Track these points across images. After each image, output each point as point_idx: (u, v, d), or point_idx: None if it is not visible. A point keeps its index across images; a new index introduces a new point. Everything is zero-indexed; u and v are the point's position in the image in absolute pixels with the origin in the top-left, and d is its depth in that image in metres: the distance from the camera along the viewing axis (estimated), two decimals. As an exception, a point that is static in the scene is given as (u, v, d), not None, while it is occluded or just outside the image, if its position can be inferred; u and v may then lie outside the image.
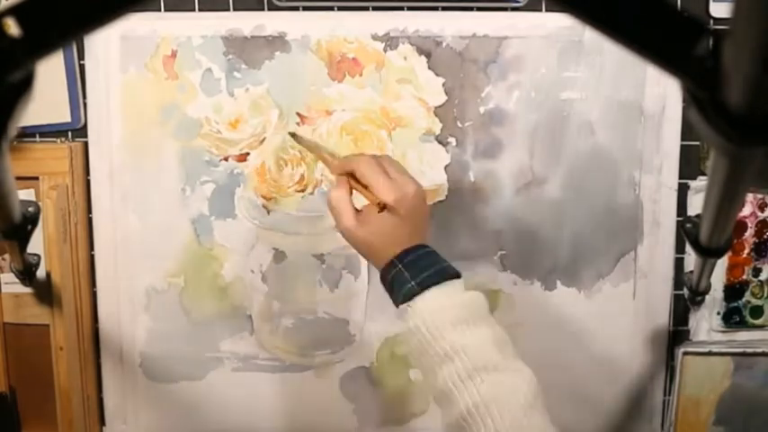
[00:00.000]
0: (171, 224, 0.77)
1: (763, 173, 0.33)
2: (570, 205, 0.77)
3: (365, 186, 0.60)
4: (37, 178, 0.74)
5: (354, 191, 0.61)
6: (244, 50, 0.75)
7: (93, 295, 0.78)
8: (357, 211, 0.60)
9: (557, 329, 0.79)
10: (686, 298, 0.79)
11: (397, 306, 0.57)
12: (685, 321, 0.80)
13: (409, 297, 0.56)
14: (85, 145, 0.76)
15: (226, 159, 0.76)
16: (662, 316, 0.79)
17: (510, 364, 0.54)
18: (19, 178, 0.72)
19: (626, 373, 0.80)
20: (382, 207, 0.58)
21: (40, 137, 0.76)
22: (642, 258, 0.78)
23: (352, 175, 0.61)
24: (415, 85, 0.75)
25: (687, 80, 0.30)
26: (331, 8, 0.75)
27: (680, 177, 0.77)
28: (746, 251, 0.78)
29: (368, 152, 0.76)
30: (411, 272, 0.56)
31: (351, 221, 0.59)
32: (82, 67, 0.75)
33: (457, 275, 0.57)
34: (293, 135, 0.73)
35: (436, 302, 0.55)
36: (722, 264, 0.78)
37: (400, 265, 0.57)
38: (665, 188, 0.77)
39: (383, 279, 0.59)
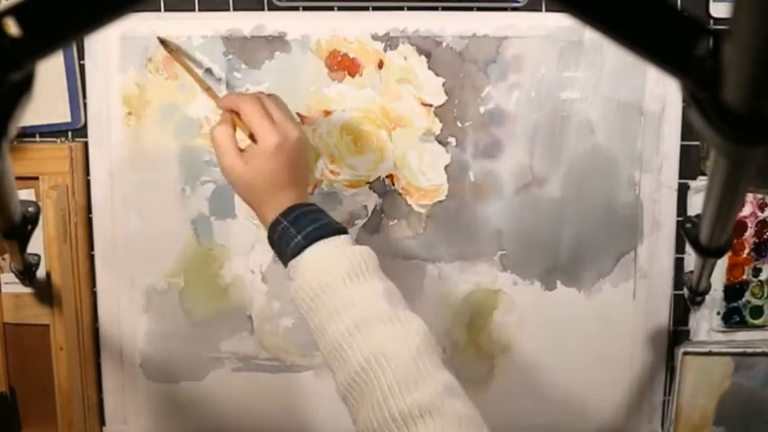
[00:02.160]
0: (171, 224, 0.77)
1: (763, 173, 0.33)
2: (570, 205, 0.77)
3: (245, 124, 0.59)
4: (37, 178, 0.74)
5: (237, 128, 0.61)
6: (244, 50, 0.75)
7: (93, 295, 0.78)
8: (240, 150, 0.59)
9: (557, 329, 0.79)
10: (686, 298, 0.79)
11: (286, 265, 0.56)
12: (685, 321, 0.80)
13: (297, 252, 0.55)
14: (85, 145, 0.76)
15: (226, 159, 0.76)
16: (662, 316, 0.79)
17: (399, 314, 0.52)
18: (19, 178, 0.72)
19: (626, 373, 0.80)
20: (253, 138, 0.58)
21: (40, 137, 0.76)
22: (642, 258, 0.78)
23: (236, 113, 0.61)
24: (415, 85, 0.75)
25: (687, 80, 0.30)
26: (331, 8, 0.75)
27: (680, 177, 0.77)
28: (746, 251, 0.78)
29: (368, 152, 0.76)
30: (296, 227, 0.56)
31: (234, 159, 0.58)
32: (82, 67, 0.75)
33: (344, 230, 0.57)
34: (162, 41, 0.72)
35: (324, 256, 0.54)
36: (722, 264, 0.78)
37: (285, 222, 0.56)
38: (665, 188, 0.77)
39: (270, 240, 0.58)
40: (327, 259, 0.54)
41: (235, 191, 0.61)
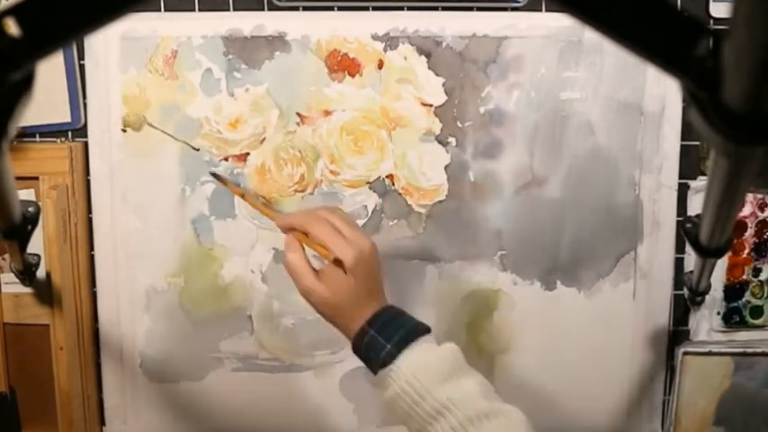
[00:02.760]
0: (171, 224, 0.77)
1: (763, 173, 0.33)
2: (570, 205, 0.77)
3: (318, 244, 0.60)
4: (37, 178, 0.74)
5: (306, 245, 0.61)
6: (244, 50, 0.75)
7: (93, 295, 0.78)
8: (315, 271, 0.60)
9: (557, 329, 0.79)
10: (686, 298, 0.79)
11: (375, 373, 0.57)
12: (685, 321, 0.80)
13: (389, 361, 0.55)
14: (85, 145, 0.76)
15: (226, 159, 0.76)
16: (662, 316, 0.79)
17: (498, 408, 0.54)
18: (19, 178, 0.72)
19: (626, 373, 0.80)
20: (338, 262, 0.59)
21: (40, 137, 0.76)
22: (642, 258, 0.78)
23: (301, 232, 0.61)
24: (415, 85, 0.75)
25: (687, 80, 0.30)
26: (331, 8, 0.75)
27: (680, 177, 0.77)
28: (746, 251, 0.78)
29: (367, 153, 0.76)
30: (384, 335, 0.56)
31: (313, 282, 0.59)
32: (82, 67, 0.75)
33: (428, 330, 0.58)
34: (215, 176, 0.74)
35: (416, 362, 0.55)
36: (722, 264, 0.78)
37: (372, 331, 0.57)
38: (665, 188, 0.77)
39: (356, 349, 0.59)
40: (421, 365, 0.55)
41: (316, 310, 0.61)
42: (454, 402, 0.53)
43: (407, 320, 0.58)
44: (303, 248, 0.61)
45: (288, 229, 0.62)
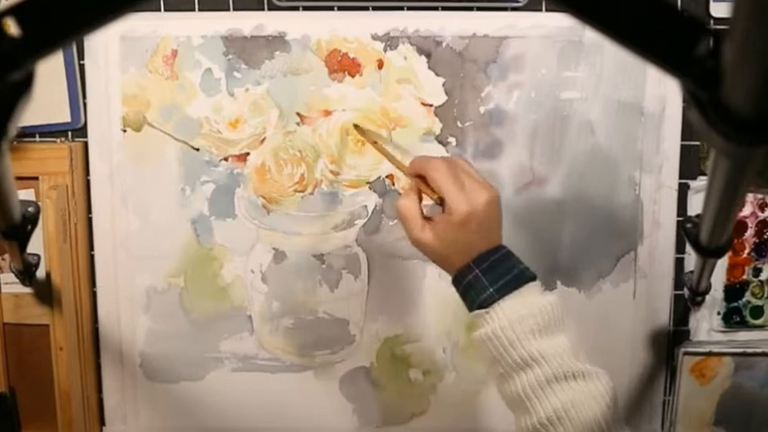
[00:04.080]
0: (171, 224, 0.77)
1: (764, 173, 0.33)
2: (570, 205, 0.77)
3: (434, 191, 0.59)
4: (37, 178, 0.74)
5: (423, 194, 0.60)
6: (244, 50, 0.75)
7: (93, 295, 0.78)
8: (426, 219, 0.59)
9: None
10: (686, 298, 0.79)
11: (471, 310, 0.56)
12: (685, 321, 0.80)
13: (488, 304, 0.55)
14: (85, 145, 0.76)
15: (226, 159, 0.76)
16: (662, 316, 0.79)
17: (586, 369, 0.53)
18: (19, 178, 0.72)
19: (626, 373, 0.80)
20: (441, 202, 0.57)
21: (40, 137, 0.76)
22: (642, 258, 0.78)
23: (421, 178, 0.60)
24: (415, 85, 0.75)
25: (687, 80, 0.30)
26: (331, 8, 0.75)
27: (680, 177, 0.77)
28: (747, 251, 0.78)
29: (367, 153, 0.76)
30: (488, 277, 0.55)
31: (421, 232, 0.58)
32: (82, 67, 0.75)
33: (533, 278, 0.56)
34: (357, 127, 0.74)
35: (515, 311, 0.54)
36: (722, 264, 0.78)
37: (477, 271, 0.56)
38: (665, 188, 0.77)
39: (456, 282, 0.58)
40: (519, 316, 0.54)
41: (423, 254, 0.60)
42: (544, 356, 0.53)
43: (515, 264, 0.57)
44: (420, 197, 0.60)
45: (413, 176, 0.61)
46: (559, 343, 0.54)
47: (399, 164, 0.68)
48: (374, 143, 0.72)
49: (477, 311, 0.56)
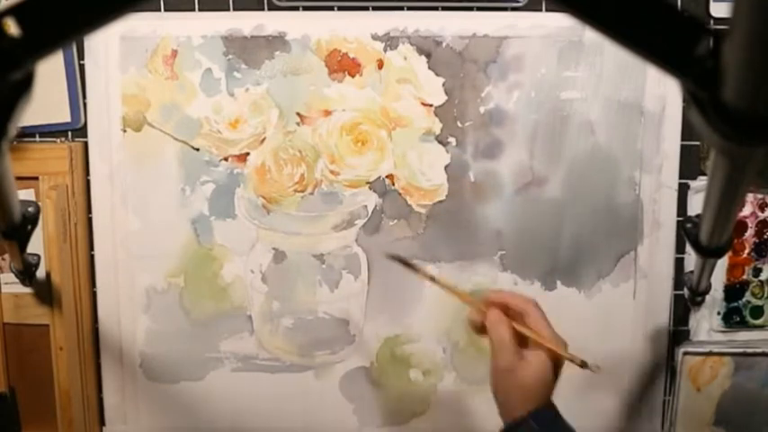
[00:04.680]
0: (171, 224, 0.77)
1: (764, 173, 0.33)
2: (570, 205, 0.77)
3: (527, 328, 0.58)
4: (37, 178, 0.74)
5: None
6: (244, 50, 0.75)
7: (93, 295, 0.78)
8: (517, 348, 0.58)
9: (557, 329, 0.79)
10: (686, 298, 0.79)
11: None
12: (685, 321, 0.80)
13: None
14: (85, 145, 0.76)
15: (226, 159, 0.76)
16: (662, 316, 0.79)
17: None
18: (19, 178, 0.72)
19: (626, 373, 0.80)
20: (583, 364, 0.57)
21: (40, 137, 0.76)
22: (642, 258, 0.78)
23: (503, 309, 0.58)
24: (415, 85, 0.75)
25: (687, 80, 0.30)
26: (331, 8, 0.75)
27: (680, 177, 0.77)
28: (747, 251, 0.78)
29: (368, 152, 0.76)
30: None
31: (513, 359, 0.57)
32: (82, 67, 0.75)
33: None
34: (399, 259, 0.68)
35: None
36: (722, 264, 0.78)
37: (533, 424, 0.55)
38: (665, 188, 0.77)
39: (507, 429, 0.57)
40: None
41: (493, 378, 0.58)
42: None
43: (566, 428, 0.57)
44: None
45: (489, 305, 0.59)
46: None
47: (464, 295, 0.65)
48: (431, 279, 0.66)
49: None
